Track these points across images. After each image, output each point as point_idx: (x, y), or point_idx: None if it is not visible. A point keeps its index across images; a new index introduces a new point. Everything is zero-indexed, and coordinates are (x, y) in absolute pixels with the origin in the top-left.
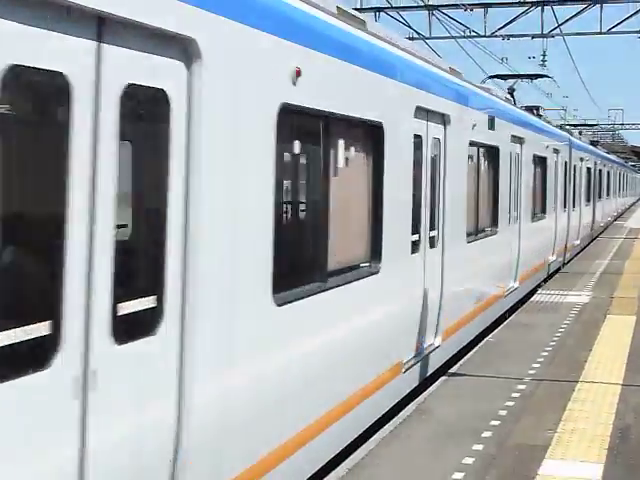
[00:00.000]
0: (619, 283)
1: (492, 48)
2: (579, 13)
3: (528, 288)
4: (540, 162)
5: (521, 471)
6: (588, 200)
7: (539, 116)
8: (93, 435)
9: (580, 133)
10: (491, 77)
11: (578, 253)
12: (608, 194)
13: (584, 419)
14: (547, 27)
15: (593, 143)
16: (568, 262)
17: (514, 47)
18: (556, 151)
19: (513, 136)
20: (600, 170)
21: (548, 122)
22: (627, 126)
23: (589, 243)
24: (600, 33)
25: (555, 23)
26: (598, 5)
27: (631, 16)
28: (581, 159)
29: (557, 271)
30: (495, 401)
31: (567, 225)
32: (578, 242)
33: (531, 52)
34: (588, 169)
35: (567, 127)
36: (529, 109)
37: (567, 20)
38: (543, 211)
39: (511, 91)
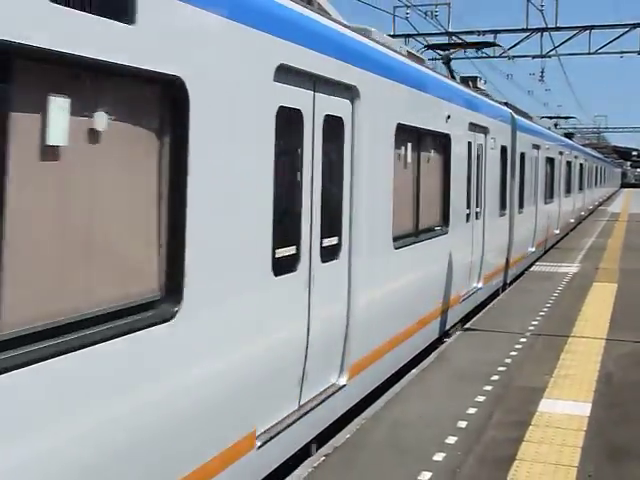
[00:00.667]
0: (603, 257)
1: (500, 66)
2: (572, 37)
3: (409, 355)
4: (435, 143)
5: (523, 408)
6: (551, 196)
7: (476, 88)
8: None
9: (555, 125)
10: (428, 47)
11: (537, 259)
12: (581, 188)
13: (575, 367)
14: (545, 49)
15: (568, 135)
16: (516, 279)
17: (518, 66)
18: (481, 130)
19: (349, 87)
20: (570, 162)
21: (488, 96)
22: (610, 129)
23: (555, 243)
24: (589, 53)
25: (552, 45)
26: (587, 31)
27: (614, 40)
28: (536, 147)
29: (495, 295)
30: (502, 351)
31: (509, 233)
32: (533, 249)
33: (532, 70)
34: (550, 160)
35: (544, 119)
36: (465, 80)
37: (562, 43)
38: (445, 223)
39: (447, 61)
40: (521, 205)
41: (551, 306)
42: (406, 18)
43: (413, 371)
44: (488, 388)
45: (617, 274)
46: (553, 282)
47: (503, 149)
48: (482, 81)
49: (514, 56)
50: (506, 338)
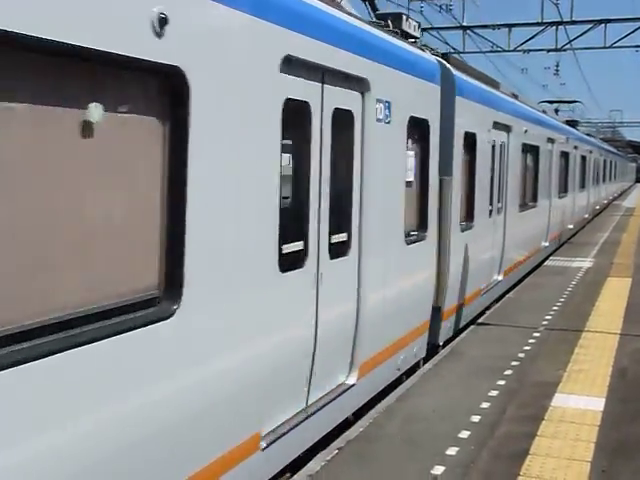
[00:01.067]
0: (617, 251)
1: (514, 60)
2: (587, 31)
3: None
4: (108, 93)
5: (537, 402)
6: (534, 199)
7: (400, 32)
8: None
9: (556, 111)
10: None
11: (518, 284)
12: (584, 185)
13: (588, 361)
14: (560, 42)
15: (571, 123)
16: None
17: (533, 60)
18: (342, 82)
19: None
20: (567, 154)
21: (432, 51)
22: (625, 124)
23: (544, 260)
24: (605, 47)
25: (567, 39)
26: (603, 25)
27: (630, 34)
28: (503, 127)
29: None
30: (515, 346)
31: (439, 266)
32: (500, 277)
33: (547, 64)
34: (532, 149)
35: (544, 103)
36: (381, 17)
37: (577, 37)
38: (169, 292)
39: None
40: (470, 217)
41: (565, 301)
42: (420, 12)
43: (427, 365)
44: (501, 383)
45: (632, 269)
46: (567, 277)
47: (417, 124)
48: (412, 23)
49: (529, 50)
50: (519, 333)
